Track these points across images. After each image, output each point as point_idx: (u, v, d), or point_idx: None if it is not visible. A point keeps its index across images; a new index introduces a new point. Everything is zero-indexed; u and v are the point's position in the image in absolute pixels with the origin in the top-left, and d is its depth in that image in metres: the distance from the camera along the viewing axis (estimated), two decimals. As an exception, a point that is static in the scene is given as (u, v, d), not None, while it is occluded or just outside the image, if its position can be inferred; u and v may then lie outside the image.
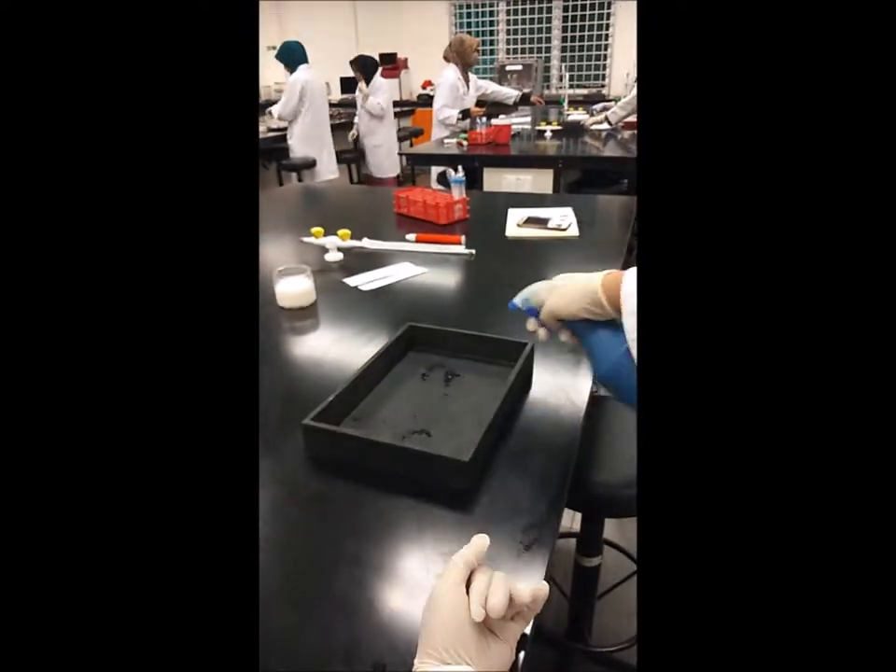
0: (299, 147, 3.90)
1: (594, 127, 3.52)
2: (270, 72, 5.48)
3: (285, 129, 3.99)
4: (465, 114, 3.67)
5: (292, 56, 3.75)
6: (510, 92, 4.23)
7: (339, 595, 0.53)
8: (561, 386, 0.85)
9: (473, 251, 1.42)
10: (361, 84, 4.17)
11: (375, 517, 0.62)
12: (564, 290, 0.63)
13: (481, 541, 0.48)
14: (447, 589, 0.44)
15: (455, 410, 0.79)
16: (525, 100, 4.23)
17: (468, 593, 0.44)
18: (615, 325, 0.60)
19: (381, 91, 4.21)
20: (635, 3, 0.47)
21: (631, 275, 0.56)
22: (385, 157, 4.38)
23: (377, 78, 4.18)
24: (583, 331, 0.64)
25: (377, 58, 4.34)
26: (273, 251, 1.56)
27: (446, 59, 3.74)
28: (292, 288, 1.12)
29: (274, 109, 3.83)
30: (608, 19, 5.72)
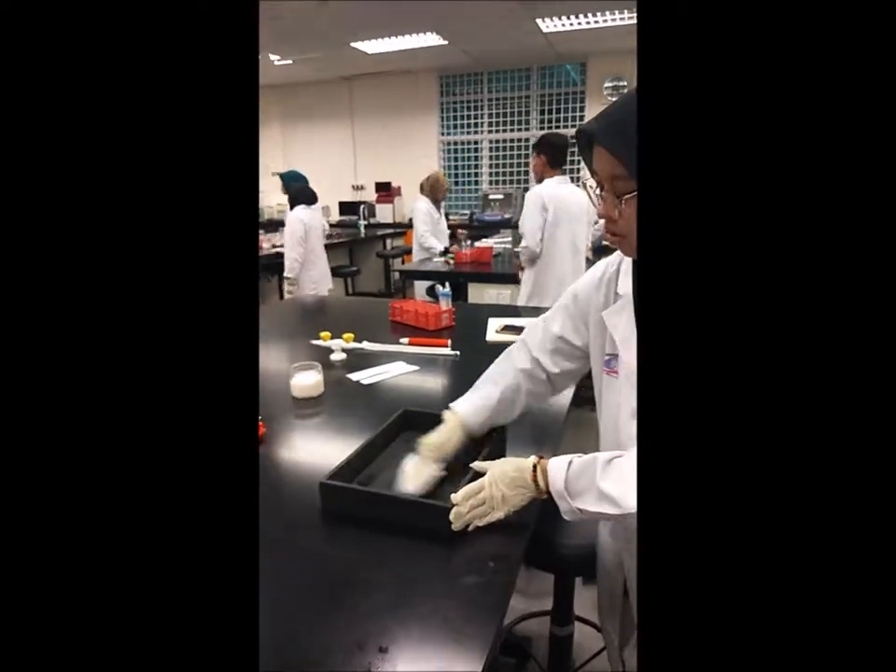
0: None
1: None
2: (273, 196, 6.04)
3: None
4: (451, 237, 4.07)
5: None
6: None
7: (352, 603, 0.69)
8: (528, 458, 1.04)
9: (458, 352, 1.66)
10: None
11: (379, 552, 0.79)
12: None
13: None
14: None
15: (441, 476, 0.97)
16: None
17: None
18: None
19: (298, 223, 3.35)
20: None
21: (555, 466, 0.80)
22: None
23: (298, 210, 3.40)
24: None
25: (373, 185, 4.38)
26: (286, 352, 1.78)
27: (421, 189, 4.17)
28: (305, 381, 1.33)
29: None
30: (578, 154, 6.45)
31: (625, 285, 0.82)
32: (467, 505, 0.81)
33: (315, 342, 1.66)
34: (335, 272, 4.57)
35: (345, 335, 1.64)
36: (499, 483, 0.81)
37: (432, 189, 4.07)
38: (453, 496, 0.81)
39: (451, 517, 0.80)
